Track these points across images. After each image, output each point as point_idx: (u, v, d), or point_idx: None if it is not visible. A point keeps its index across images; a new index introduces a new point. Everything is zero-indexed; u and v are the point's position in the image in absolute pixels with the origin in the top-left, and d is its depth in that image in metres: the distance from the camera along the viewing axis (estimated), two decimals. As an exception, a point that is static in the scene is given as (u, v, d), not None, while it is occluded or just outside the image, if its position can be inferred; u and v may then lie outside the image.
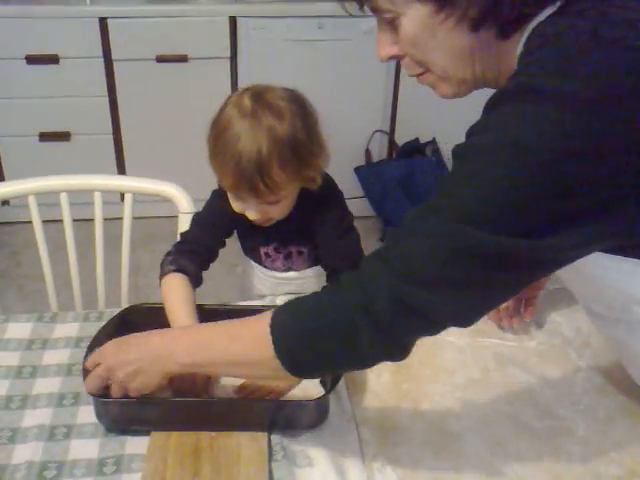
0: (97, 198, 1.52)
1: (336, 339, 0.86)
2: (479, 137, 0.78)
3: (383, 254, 0.84)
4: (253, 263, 1.43)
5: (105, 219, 1.56)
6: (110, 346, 1.06)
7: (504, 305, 1.28)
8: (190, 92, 2.89)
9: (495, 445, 1.05)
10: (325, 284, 1.29)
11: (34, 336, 1.26)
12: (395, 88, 3.01)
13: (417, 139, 3.12)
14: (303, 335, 0.89)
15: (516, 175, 0.73)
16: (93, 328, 1.27)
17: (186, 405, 1.07)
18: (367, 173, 3.07)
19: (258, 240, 1.38)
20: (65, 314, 1.33)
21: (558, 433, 1.07)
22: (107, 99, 2.85)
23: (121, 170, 3.02)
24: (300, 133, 1.15)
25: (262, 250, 1.39)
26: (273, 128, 1.13)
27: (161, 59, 2.79)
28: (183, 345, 1.00)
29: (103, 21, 2.69)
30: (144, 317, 1.20)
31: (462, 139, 2.95)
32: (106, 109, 2.88)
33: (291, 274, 1.41)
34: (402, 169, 3.03)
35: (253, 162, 1.12)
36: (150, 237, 2.62)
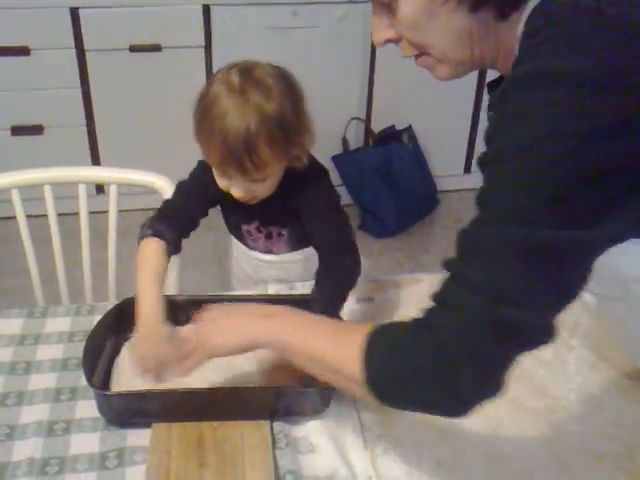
0: (81, 190, 1.50)
1: (435, 381, 0.81)
2: (500, 140, 0.77)
3: (463, 281, 0.79)
4: (237, 242, 1.44)
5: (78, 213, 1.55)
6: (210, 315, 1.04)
7: None
8: (164, 82, 2.86)
9: (495, 426, 1.06)
10: (315, 269, 1.28)
11: (26, 331, 1.25)
12: (371, 75, 3.01)
13: (393, 126, 3.13)
14: (398, 374, 0.84)
15: (550, 167, 0.72)
16: (86, 322, 1.26)
17: (187, 395, 1.06)
18: (344, 161, 3.07)
19: (240, 217, 1.38)
20: (55, 308, 1.32)
21: (555, 412, 1.09)
22: (80, 90, 2.80)
23: (95, 162, 2.97)
24: (288, 111, 1.14)
25: (244, 228, 1.39)
26: (261, 105, 1.12)
27: (134, 49, 2.75)
28: (278, 322, 0.98)
29: (74, 11, 2.64)
30: None
31: (438, 125, 2.96)
32: (79, 101, 2.83)
33: (271, 257, 1.40)
34: (379, 157, 3.04)
35: (241, 139, 1.11)
36: (126, 230, 2.59)
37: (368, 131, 3.15)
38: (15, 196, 1.47)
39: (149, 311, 1.11)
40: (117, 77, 2.81)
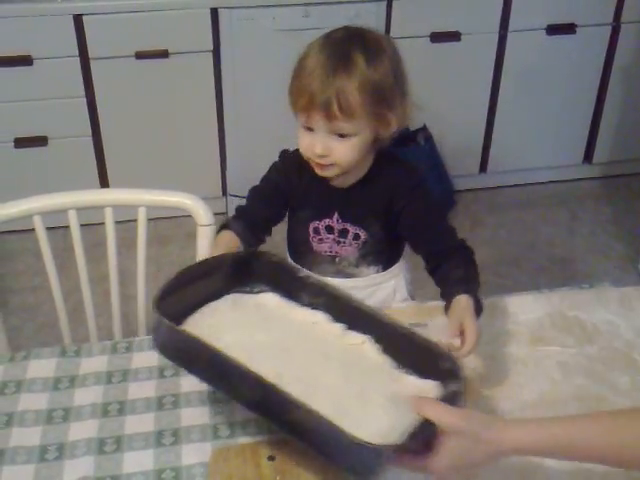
0: (108, 215, 1.40)
1: None
2: None
3: None
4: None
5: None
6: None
7: None
8: (172, 88, 2.75)
9: (582, 471, 0.98)
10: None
11: (59, 374, 1.15)
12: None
13: (407, 127, 3.03)
14: None
15: None
16: (123, 361, 1.17)
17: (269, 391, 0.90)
18: (359, 164, 2.98)
19: (315, 210, 1.32)
20: (90, 346, 1.22)
21: None
22: (85, 100, 2.70)
23: (102, 173, 2.88)
24: (387, 74, 1.16)
25: (312, 225, 1.32)
26: (361, 57, 1.14)
27: (141, 55, 2.64)
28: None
29: (78, 18, 2.54)
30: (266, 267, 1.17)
31: (452, 124, 2.89)
32: (84, 110, 2.72)
33: (344, 281, 1.33)
34: (395, 159, 2.95)
35: (332, 80, 1.12)
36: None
37: (382, 133, 3.06)
38: (38, 223, 1.37)
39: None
40: (123, 85, 2.70)
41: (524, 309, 1.29)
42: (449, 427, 0.87)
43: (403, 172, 1.30)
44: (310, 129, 1.18)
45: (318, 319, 1.12)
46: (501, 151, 3.17)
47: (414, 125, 3.03)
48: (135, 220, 1.42)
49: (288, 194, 1.32)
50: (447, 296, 1.14)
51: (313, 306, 1.13)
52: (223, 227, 1.28)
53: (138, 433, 1.04)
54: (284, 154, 1.35)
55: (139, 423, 1.06)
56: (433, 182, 3.01)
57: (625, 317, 1.26)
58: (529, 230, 2.99)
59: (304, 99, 1.15)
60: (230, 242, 1.22)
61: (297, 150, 1.29)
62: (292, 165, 1.31)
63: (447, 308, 1.12)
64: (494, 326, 1.25)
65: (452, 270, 1.18)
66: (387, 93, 1.16)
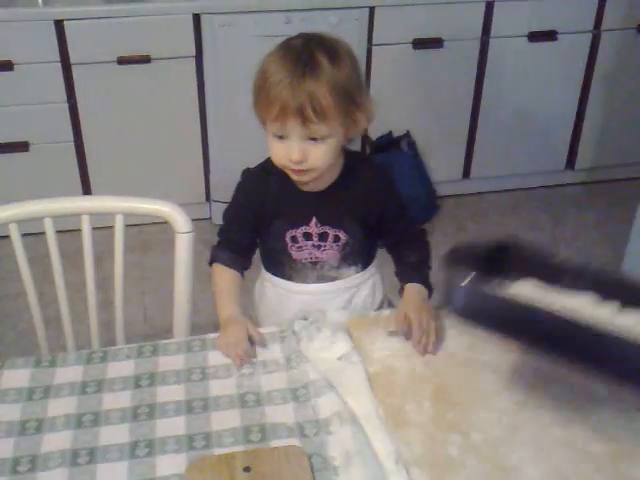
0: (85, 223, 1.39)
1: None
2: None
3: None
4: (277, 280, 1.37)
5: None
6: None
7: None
8: (155, 94, 2.75)
9: (558, 478, 0.98)
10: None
11: (34, 384, 1.14)
12: (366, 81, 2.92)
13: (390, 133, 3.04)
14: None
15: None
16: (97, 370, 1.16)
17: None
18: (342, 170, 2.97)
19: (288, 221, 1.31)
20: (65, 356, 1.21)
21: (620, 457, 1.01)
22: (66, 105, 2.68)
23: (84, 179, 2.86)
24: (351, 73, 1.18)
25: (289, 234, 1.31)
26: (324, 59, 1.15)
27: (123, 61, 2.63)
28: None
29: (59, 23, 2.52)
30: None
31: (435, 130, 2.92)
32: (66, 116, 2.71)
33: (325, 286, 1.35)
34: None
35: (303, 84, 1.13)
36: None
37: (365, 139, 3.06)
38: (13, 231, 1.36)
39: (229, 313, 1.24)
40: (105, 90, 2.69)
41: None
42: None
43: (376, 171, 1.35)
44: (282, 137, 1.18)
45: (583, 302, 1.01)
46: (484, 157, 3.18)
47: (397, 131, 3.03)
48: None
49: (259, 211, 1.32)
50: (401, 278, 1.34)
51: (575, 290, 1.03)
52: (213, 259, 1.34)
53: (112, 444, 1.03)
54: (247, 173, 1.36)
55: (113, 434, 1.05)
56: (417, 188, 3.02)
57: (602, 324, 1.26)
58: (512, 236, 3.00)
59: (276, 108, 1.14)
60: (232, 285, 1.30)
61: (260, 165, 1.31)
62: (257, 182, 1.32)
63: (401, 291, 1.25)
64: (471, 333, 1.24)
65: (410, 254, 1.35)
66: (354, 91, 1.18)
